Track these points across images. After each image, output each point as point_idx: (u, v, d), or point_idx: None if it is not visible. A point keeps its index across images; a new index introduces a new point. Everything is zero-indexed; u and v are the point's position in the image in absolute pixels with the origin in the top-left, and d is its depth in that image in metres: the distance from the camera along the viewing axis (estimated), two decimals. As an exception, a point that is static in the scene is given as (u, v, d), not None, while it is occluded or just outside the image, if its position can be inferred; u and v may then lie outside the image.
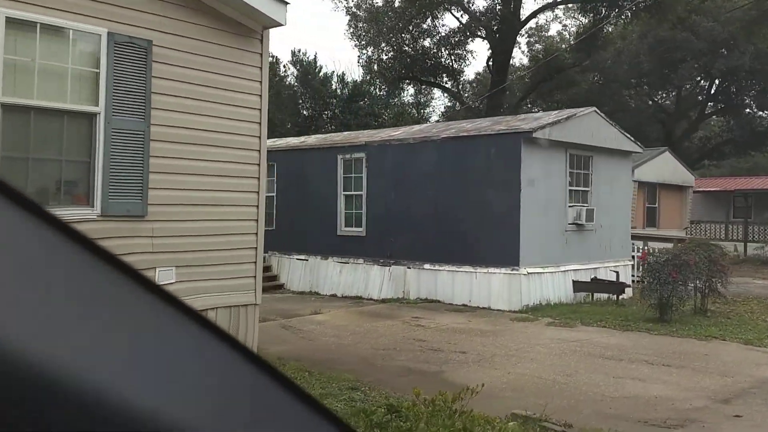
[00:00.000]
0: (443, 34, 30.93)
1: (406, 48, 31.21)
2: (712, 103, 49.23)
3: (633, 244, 17.37)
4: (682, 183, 22.11)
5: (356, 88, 46.28)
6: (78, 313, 0.45)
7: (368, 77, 35.67)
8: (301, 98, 44.80)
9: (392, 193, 13.05)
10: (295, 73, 45.77)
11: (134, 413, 0.42)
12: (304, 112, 41.41)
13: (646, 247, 10.53)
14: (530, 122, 12.23)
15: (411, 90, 37.06)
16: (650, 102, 51.27)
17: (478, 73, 40.29)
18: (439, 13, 30.46)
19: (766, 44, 36.61)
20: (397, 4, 30.01)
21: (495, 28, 30.58)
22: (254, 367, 0.53)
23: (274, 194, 14.77)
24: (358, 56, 33.06)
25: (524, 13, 30.97)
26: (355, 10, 30.74)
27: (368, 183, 13.40)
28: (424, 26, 30.24)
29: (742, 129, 50.32)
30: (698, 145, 52.86)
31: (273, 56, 45.35)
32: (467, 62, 33.62)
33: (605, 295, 12.71)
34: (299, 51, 45.20)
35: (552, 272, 12.14)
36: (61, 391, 0.39)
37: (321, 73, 46.21)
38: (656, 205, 21.38)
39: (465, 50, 33.16)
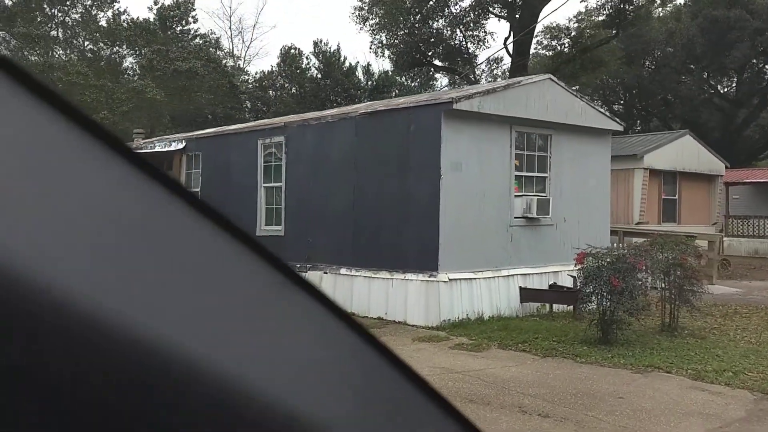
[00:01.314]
0: (456, 12, 28.53)
1: (417, 31, 29.01)
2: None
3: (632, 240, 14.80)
4: (709, 171, 19.04)
5: (383, 80, 44.32)
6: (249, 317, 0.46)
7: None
8: (324, 91, 43.11)
9: (311, 184, 11.09)
10: (318, 65, 44.34)
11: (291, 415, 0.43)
12: (328, 106, 39.77)
13: (589, 247, 8.11)
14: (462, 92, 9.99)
15: (441, 79, 34.74)
16: (706, 87, 46.97)
17: (498, 58, 37.54)
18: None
19: None
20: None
21: (515, 3, 27.97)
22: (399, 372, 0.56)
23: (199, 189, 13.09)
24: (371, 42, 30.93)
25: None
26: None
27: (287, 172, 11.49)
28: (433, 4, 27.92)
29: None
30: (761, 135, 48.04)
31: (295, 48, 44.03)
32: (486, 44, 30.98)
33: (568, 306, 10.30)
34: (321, 41, 43.70)
35: (489, 278, 9.86)
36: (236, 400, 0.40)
37: (345, 64, 44.57)
38: (676, 196, 18.44)
39: (484, 31, 30.66)
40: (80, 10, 27.43)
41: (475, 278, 9.67)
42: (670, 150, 17.84)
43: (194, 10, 30.47)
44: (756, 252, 25.78)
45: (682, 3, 46.75)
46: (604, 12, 26.43)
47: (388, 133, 9.88)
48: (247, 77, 42.54)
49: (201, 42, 30.17)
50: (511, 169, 10.24)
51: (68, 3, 26.79)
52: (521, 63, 28.36)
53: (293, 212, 11.42)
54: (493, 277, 9.94)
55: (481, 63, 31.93)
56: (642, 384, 6.40)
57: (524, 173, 10.54)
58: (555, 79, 10.65)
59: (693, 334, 8.77)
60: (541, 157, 10.79)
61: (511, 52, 28.89)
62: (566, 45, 28.12)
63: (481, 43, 31.08)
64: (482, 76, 37.66)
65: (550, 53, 29.31)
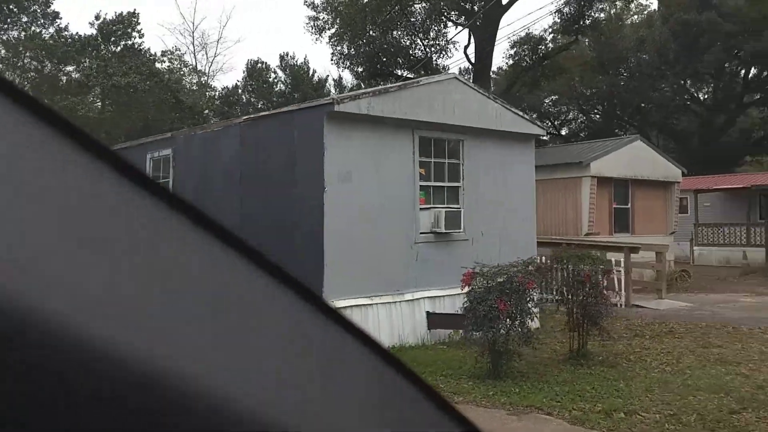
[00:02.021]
0: (413, 21, 27.71)
1: (377, 41, 28.17)
2: (758, 95, 43.89)
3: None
4: (664, 178, 18.11)
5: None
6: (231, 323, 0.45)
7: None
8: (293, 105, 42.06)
9: (198, 199, 10.03)
10: (285, 78, 43.47)
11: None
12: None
13: (480, 266, 7.08)
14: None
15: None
16: (681, 93, 46.37)
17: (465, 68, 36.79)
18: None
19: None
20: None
21: (473, 9, 27.18)
22: (393, 369, 0.57)
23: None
24: (332, 54, 30.05)
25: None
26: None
27: (175, 188, 10.44)
28: (391, 14, 27.09)
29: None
30: (738, 139, 47.42)
31: (261, 62, 43.18)
32: (449, 53, 30.13)
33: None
34: (287, 54, 42.92)
35: (389, 303, 8.82)
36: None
37: (315, 77, 43.72)
38: (628, 205, 17.49)
39: (445, 40, 29.86)
40: (19, 29, 26.49)
41: (371, 304, 8.63)
42: (620, 156, 16.92)
43: (138, 24, 29.62)
44: (728, 261, 24.89)
45: (655, 9, 46.37)
46: (562, 18, 25.65)
47: (272, 142, 8.87)
48: (214, 93, 41.70)
49: (146, 57, 29.21)
50: (415, 178, 9.24)
51: (8, 21, 25.85)
52: (483, 71, 27.58)
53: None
54: (395, 302, 8.90)
55: (451, 72, 31.08)
56: (513, 429, 5.37)
57: (432, 183, 9.54)
58: (462, 78, 9.71)
59: (604, 361, 7.74)
60: (453, 164, 9.81)
61: (473, 61, 28.11)
62: (526, 52, 27.31)
63: (444, 52, 30.31)
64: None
65: (510, 62, 28.50)
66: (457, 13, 27.31)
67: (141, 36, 31.54)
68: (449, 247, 9.58)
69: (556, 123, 54.00)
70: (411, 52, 28.83)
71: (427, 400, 0.58)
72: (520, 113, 10.57)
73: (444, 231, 9.31)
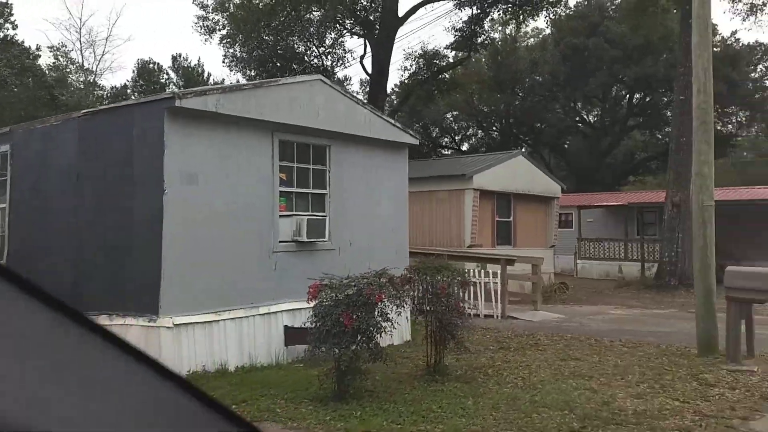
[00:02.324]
0: (306, 26, 27.17)
1: (271, 45, 27.35)
2: (641, 118, 46.56)
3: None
4: (544, 193, 18.54)
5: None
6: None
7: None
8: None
9: (35, 203, 8.95)
10: (176, 80, 41.61)
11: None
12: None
13: (329, 278, 6.54)
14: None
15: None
16: (572, 115, 48.64)
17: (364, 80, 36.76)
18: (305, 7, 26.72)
19: (655, 35, 34.05)
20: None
21: (369, 19, 27.02)
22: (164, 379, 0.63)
23: None
24: (223, 56, 28.89)
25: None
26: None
27: (12, 189, 9.28)
28: (285, 18, 26.40)
29: (660, 143, 47.84)
30: (623, 160, 50.26)
31: (153, 62, 41.15)
32: (348, 62, 29.88)
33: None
34: (180, 55, 41.15)
35: (240, 318, 8.13)
36: None
37: (211, 80, 42.08)
38: (510, 218, 17.73)
39: (343, 49, 29.54)
40: None
41: (218, 320, 7.89)
42: (502, 170, 17.11)
43: (12, 15, 27.29)
44: (607, 274, 25.96)
45: (548, 33, 48.46)
46: (456, 34, 26.02)
47: (110, 138, 7.99)
48: (102, 92, 39.20)
49: (20, 50, 26.93)
50: (275, 183, 8.63)
51: None
52: (380, 83, 27.44)
53: (18, 239, 9.21)
54: (248, 316, 8.22)
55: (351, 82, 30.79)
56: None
57: (295, 189, 8.97)
58: (328, 81, 9.22)
59: (461, 377, 7.44)
60: (318, 171, 9.29)
61: (370, 71, 27.93)
62: (421, 66, 27.46)
63: (341, 62, 29.99)
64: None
65: (406, 74, 28.59)
66: (352, 21, 27.05)
67: (15, 28, 29.11)
68: (313, 256, 9.02)
69: (456, 138, 55.16)
70: (306, 59, 28.27)
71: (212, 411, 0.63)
72: (392, 121, 10.24)
73: (306, 240, 8.75)
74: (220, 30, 27.37)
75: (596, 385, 7.07)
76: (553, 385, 7.06)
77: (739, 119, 49.52)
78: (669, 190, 19.96)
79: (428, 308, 7.44)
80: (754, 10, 26.37)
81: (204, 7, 26.83)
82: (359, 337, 6.32)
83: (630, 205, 25.89)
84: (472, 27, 26.07)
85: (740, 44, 44.55)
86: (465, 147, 58.01)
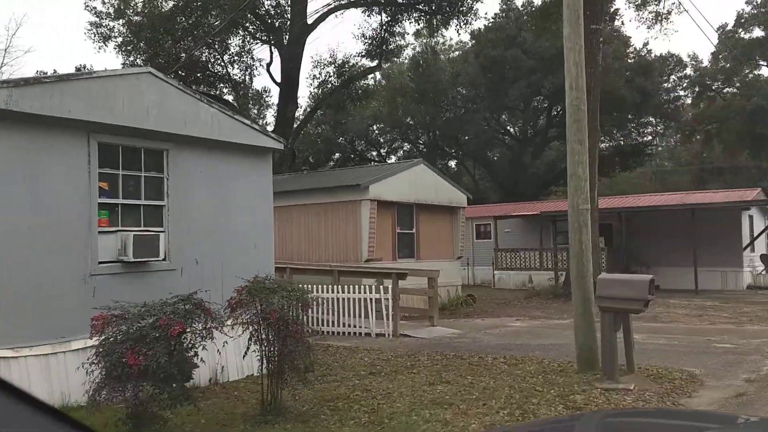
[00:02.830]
0: (207, 34, 25.84)
1: (169, 53, 25.83)
2: (560, 129, 47.10)
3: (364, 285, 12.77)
4: (449, 203, 17.86)
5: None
6: None
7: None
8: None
9: None
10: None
11: None
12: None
13: (120, 306, 5.35)
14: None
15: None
16: (493, 126, 48.86)
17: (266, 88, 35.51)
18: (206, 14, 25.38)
19: (556, 42, 34.45)
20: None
21: (274, 25, 25.93)
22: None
23: None
24: (122, 65, 27.08)
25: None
26: (95, 4, 25.06)
27: None
28: (186, 24, 24.98)
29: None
30: (545, 171, 50.77)
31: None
32: (257, 72, 28.70)
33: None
34: (83, 66, 38.79)
35: (46, 354, 6.82)
36: None
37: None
38: (413, 230, 16.92)
39: (251, 58, 28.32)
40: None
41: (15, 357, 6.57)
42: (402, 180, 16.30)
43: None
44: (523, 284, 25.58)
45: (469, 45, 48.68)
46: (366, 42, 25.30)
47: None
48: None
49: None
50: (92, 194, 7.39)
51: None
52: (290, 91, 26.36)
53: None
54: (57, 352, 6.91)
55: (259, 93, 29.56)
56: None
57: (121, 200, 7.75)
58: (159, 73, 8.07)
59: (303, 414, 6.41)
60: (154, 178, 8.11)
61: (279, 80, 26.81)
62: (331, 74, 26.59)
63: (250, 70, 28.76)
64: (253, 107, 35.31)
65: (315, 83, 27.63)
66: (255, 27, 25.92)
67: None
68: (146, 279, 7.81)
69: (382, 151, 54.58)
70: (210, 68, 26.91)
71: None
72: (247, 122, 9.17)
73: (133, 260, 7.53)
74: (115, 37, 25.70)
75: (451, 416, 6.17)
76: (403, 419, 6.11)
77: (654, 129, 51.02)
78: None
79: (263, 336, 6.38)
80: (659, 18, 26.84)
81: (98, 13, 25.12)
82: (156, 376, 5.17)
83: (543, 214, 25.67)
84: (383, 35, 25.45)
85: (652, 55, 45.93)
86: (392, 160, 57.61)
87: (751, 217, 24.56)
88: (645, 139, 50.88)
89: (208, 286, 7.74)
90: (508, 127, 51.73)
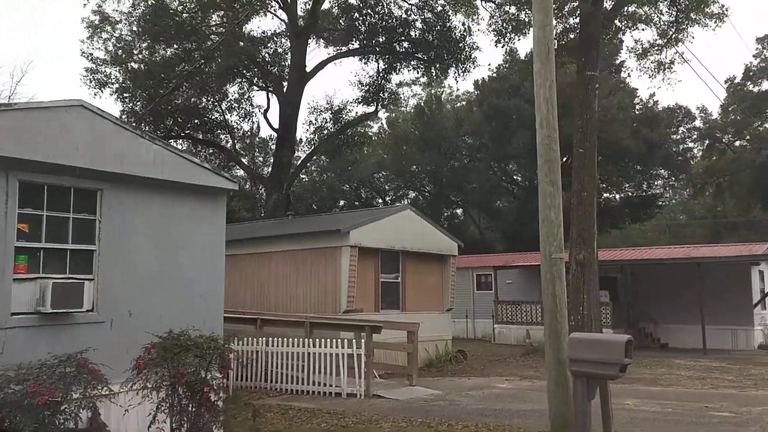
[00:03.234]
0: (208, 81, 25.77)
1: (167, 100, 25.71)
2: (566, 178, 46.34)
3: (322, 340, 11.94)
4: (438, 251, 17.04)
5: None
6: None
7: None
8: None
9: None
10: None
11: None
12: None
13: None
14: None
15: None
16: (498, 174, 48.30)
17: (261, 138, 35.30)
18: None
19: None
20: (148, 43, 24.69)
21: (274, 71, 25.81)
22: None
23: None
24: (121, 111, 27.00)
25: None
26: (92, 51, 25.13)
27: None
28: (181, 71, 24.91)
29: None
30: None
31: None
32: (256, 118, 28.48)
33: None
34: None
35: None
36: None
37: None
38: (398, 279, 16.06)
39: (251, 104, 28.19)
40: None
41: None
42: (387, 226, 15.57)
43: None
44: (524, 339, 24.43)
45: (474, 94, 48.67)
46: (363, 89, 25.05)
47: None
48: None
49: None
50: (8, 237, 6.71)
51: None
52: (288, 137, 26.05)
53: None
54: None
55: (247, 136, 29.31)
56: None
57: (44, 244, 7.06)
58: (93, 106, 7.48)
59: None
60: (84, 221, 7.43)
61: (277, 126, 26.54)
62: (328, 120, 26.28)
63: (248, 117, 28.60)
64: (259, 154, 35.13)
65: (311, 128, 27.31)
66: (253, 74, 25.82)
67: None
68: (67, 333, 7.03)
69: (387, 199, 54.08)
70: (207, 115, 26.72)
71: None
72: (196, 161, 8.54)
73: (51, 311, 6.78)
74: (111, 84, 25.65)
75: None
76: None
77: (665, 180, 50.01)
78: (572, 248, 18.78)
79: (173, 402, 5.55)
80: (662, 68, 26.38)
81: (94, 60, 25.16)
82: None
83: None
84: (380, 81, 25.21)
85: (659, 106, 45.48)
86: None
87: (761, 272, 23.43)
88: (655, 191, 49.85)
89: (142, 341, 6.94)
90: (515, 176, 51.09)
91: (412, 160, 48.75)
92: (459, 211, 55.19)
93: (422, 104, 47.39)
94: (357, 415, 9.58)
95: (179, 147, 33.71)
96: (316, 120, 26.90)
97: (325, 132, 26.24)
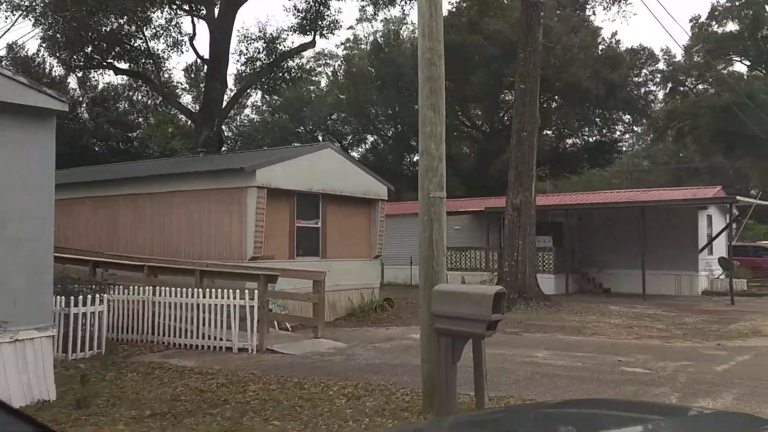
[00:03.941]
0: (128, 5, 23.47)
1: (87, 25, 23.41)
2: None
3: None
4: (365, 195, 15.79)
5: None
6: None
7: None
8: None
9: None
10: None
11: None
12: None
13: None
14: None
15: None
16: (460, 118, 46.79)
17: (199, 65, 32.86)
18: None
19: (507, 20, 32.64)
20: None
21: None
22: None
23: None
24: (41, 39, 24.61)
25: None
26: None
27: None
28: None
29: (544, 150, 46.74)
30: (509, 167, 48.58)
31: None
32: (186, 47, 26.29)
33: None
34: (16, 44, 36.16)
35: None
36: None
37: (54, 72, 37.23)
38: (318, 224, 14.84)
39: (180, 32, 25.96)
40: None
41: None
42: (303, 166, 14.22)
43: None
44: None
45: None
46: (299, 15, 23.11)
47: None
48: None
49: None
50: None
51: None
52: (219, 68, 24.12)
53: None
54: None
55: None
56: None
57: None
58: None
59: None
60: None
61: (207, 57, 24.53)
62: (260, 50, 24.33)
63: (178, 46, 26.40)
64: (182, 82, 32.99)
65: (242, 59, 25.34)
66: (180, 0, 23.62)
67: None
68: None
69: (344, 143, 52.44)
70: (127, 43, 24.49)
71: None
72: (8, 73, 7.00)
73: None
74: (29, 7, 23.24)
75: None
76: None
77: (625, 125, 49.10)
78: (509, 191, 17.75)
79: None
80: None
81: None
82: None
83: (487, 210, 23.75)
84: (317, 7, 23.25)
85: (621, 47, 44.04)
86: (355, 154, 55.57)
87: (709, 216, 22.83)
88: (615, 136, 48.91)
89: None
90: (477, 121, 49.64)
91: (370, 102, 46.91)
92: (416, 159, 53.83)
93: (379, 40, 45.21)
94: (231, 374, 8.48)
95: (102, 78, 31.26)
96: (247, 50, 24.88)
97: (258, 64, 24.31)
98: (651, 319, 14.14)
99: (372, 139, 52.98)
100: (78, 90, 37.45)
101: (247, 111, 51.85)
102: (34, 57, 36.35)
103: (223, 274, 11.43)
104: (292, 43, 24.58)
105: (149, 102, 36.59)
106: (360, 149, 54.07)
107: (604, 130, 46.98)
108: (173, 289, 10.90)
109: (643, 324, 13.31)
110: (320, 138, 52.28)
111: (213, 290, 10.63)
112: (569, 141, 46.13)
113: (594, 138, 46.98)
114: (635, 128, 51.33)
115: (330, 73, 50.93)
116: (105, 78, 47.03)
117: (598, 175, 57.25)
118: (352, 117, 49.38)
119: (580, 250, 24.00)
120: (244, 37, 25.28)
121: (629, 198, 22.64)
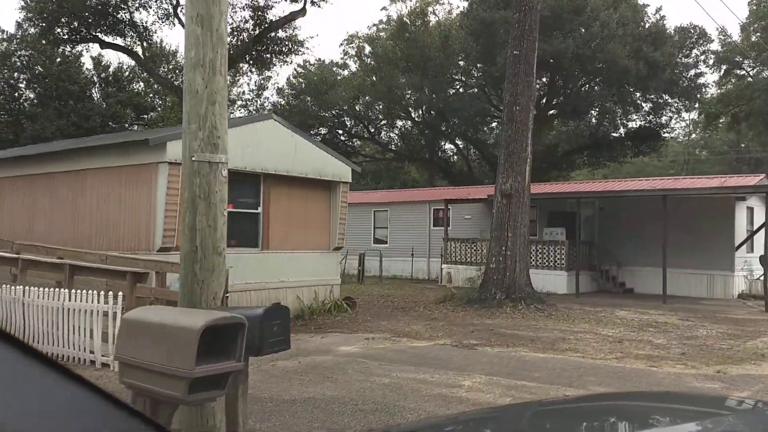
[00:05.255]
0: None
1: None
2: (557, 103, 41.35)
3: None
4: (321, 176, 13.52)
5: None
6: None
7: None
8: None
9: None
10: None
11: None
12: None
13: None
14: None
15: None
16: (492, 99, 43.72)
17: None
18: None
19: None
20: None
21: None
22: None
23: None
24: (22, 7, 23.41)
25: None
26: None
27: None
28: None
29: (583, 135, 43.28)
30: (545, 153, 45.49)
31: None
32: (171, 20, 24.55)
33: None
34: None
35: None
36: None
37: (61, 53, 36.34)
38: (258, 210, 12.69)
39: (170, 3, 24.27)
40: None
41: None
42: (239, 140, 12.03)
43: None
44: (473, 281, 21.19)
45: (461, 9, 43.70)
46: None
47: None
48: None
49: None
50: None
51: None
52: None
53: None
54: None
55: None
56: None
57: None
58: None
59: None
60: None
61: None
62: (248, 19, 22.32)
63: (168, 18, 24.74)
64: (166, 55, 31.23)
65: (229, 29, 23.37)
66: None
67: None
68: None
69: (371, 129, 50.13)
70: (112, 14, 22.92)
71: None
72: None
73: None
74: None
75: None
76: None
77: (672, 109, 44.86)
78: (498, 174, 15.20)
79: None
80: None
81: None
82: None
83: (491, 198, 21.07)
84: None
85: (666, 24, 40.13)
86: (383, 138, 53.19)
87: (750, 209, 19.59)
88: (661, 120, 44.72)
89: None
90: (497, 100, 46.40)
91: (397, 85, 44.44)
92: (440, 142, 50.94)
93: (404, 18, 42.69)
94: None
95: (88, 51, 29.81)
96: (233, 20, 22.96)
97: (245, 35, 22.31)
98: (655, 330, 11.44)
99: (402, 124, 50.53)
100: (92, 70, 36.43)
101: (267, 93, 50.08)
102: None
103: (94, 271, 9.43)
104: (283, 11, 22.46)
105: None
106: (392, 134, 51.68)
107: (649, 116, 43.04)
108: (45, 289, 9.02)
109: (641, 337, 10.65)
110: (347, 123, 50.13)
111: (80, 292, 8.67)
112: (607, 125, 42.46)
113: (638, 123, 43.12)
114: (685, 114, 47.09)
115: (354, 55, 48.77)
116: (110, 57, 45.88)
117: (651, 165, 53.09)
118: (379, 101, 47.04)
119: (599, 244, 21.13)
120: (231, 5, 23.31)
121: (652, 186, 19.62)
